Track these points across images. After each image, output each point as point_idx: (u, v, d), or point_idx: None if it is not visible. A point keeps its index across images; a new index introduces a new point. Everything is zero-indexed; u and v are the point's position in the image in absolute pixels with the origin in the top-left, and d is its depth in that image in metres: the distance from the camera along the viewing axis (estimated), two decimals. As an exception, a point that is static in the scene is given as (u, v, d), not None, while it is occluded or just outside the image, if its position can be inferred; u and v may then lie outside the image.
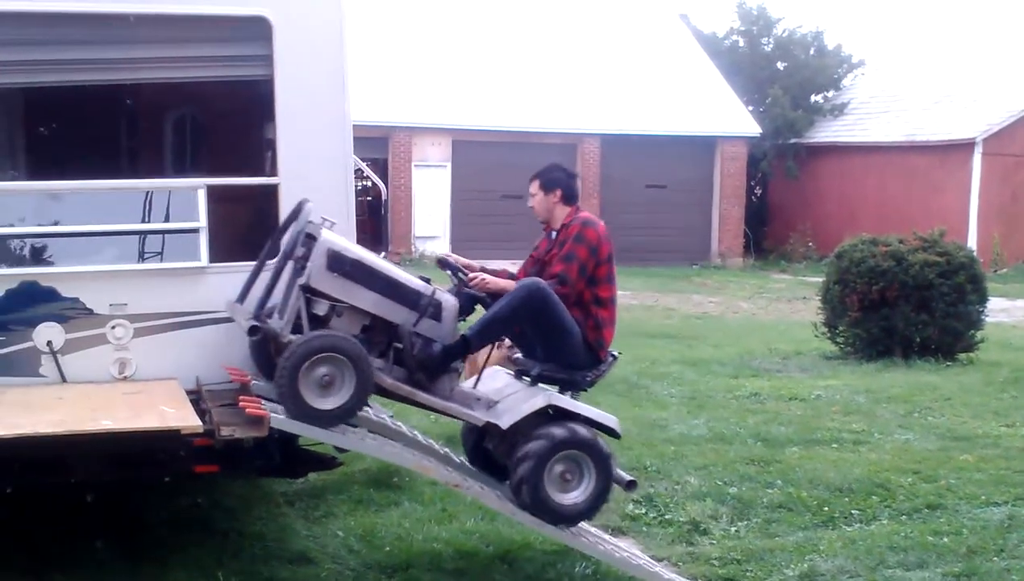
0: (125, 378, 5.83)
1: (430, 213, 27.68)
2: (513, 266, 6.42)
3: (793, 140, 32.02)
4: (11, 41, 5.94)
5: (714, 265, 28.98)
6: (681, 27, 33.93)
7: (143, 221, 6.03)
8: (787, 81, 32.94)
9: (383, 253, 8.73)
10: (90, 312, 5.68)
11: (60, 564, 5.97)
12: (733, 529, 6.90)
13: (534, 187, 6.21)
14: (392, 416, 6.32)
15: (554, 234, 6.13)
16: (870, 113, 32.39)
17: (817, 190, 31.51)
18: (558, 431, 5.62)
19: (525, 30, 30.65)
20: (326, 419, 5.27)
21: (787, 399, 10.93)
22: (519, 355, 8.26)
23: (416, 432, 6.44)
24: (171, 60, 6.28)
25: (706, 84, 30.63)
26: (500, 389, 5.98)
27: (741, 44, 35.20)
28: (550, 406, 5.71)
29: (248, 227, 5.86)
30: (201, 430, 5.17)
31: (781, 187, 32.98)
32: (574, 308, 5.90)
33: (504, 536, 6.62)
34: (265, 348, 5.58)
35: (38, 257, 5.92)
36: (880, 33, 66.72)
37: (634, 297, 21.50)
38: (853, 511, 7.23)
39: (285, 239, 5.49)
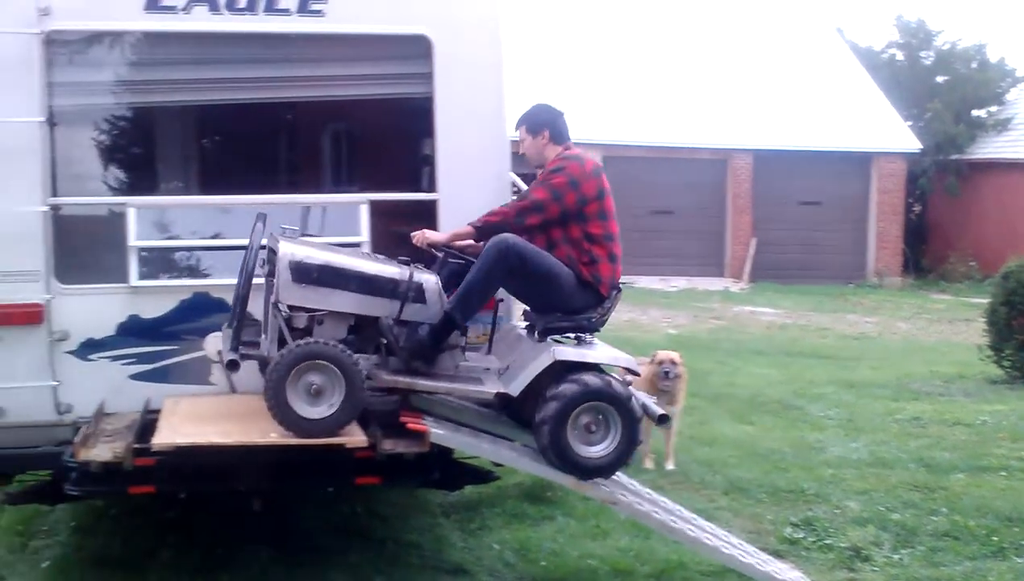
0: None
1: (579, 228, 27.58)
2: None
3: (954, 156, 31.00)
4: (185, 60, 6.21)
5: (870, 284, 28.17)
6: (837, 40, 33.23)
7: (304, 234, 6.18)
8: (948, 95, 31.90)
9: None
10: (258, 323, 5.85)
11: (226, 566, 6.16)
12: (896, 557, 6.69)
13: (522, 132, 6.07)
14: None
15: None
16: (1035, 129, 31.19)
17: (978, 208, 30.39)
18: (569, 388, 5.42)
19: (676, 45, 30.45)
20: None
21: (951, 424, 10.56)
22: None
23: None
24: (334, 79, 6.46)
25: (863, 98, 29.90)
26: (511, 351, 5.85)
27: (899, 58, 34.28)
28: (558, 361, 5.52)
29: (405, 241, 5.95)
30: (364, 444, 5.26)
31: (941, 204, 31.93)
32: (563, 247, 5.74)
33: (659, 555, 6.56)
34: None
35: (209, 269, 6.13)
36: (1046, 46, 64.22)
37: (787, 316, 21.12)
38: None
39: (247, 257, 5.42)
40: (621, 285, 5.94)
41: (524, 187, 7.12)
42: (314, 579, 6.06)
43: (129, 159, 6.78)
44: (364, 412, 5.68)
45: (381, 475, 5.56)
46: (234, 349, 5.28)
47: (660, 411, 6.06)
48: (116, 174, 6.67)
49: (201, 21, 5.90)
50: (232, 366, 5.27)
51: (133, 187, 6.59)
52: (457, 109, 5.97)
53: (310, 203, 6.26)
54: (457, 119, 6.16)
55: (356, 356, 5.29)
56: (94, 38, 5.98)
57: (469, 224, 5.77)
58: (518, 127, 6.09)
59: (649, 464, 8.57)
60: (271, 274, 5.45)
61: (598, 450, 5.51)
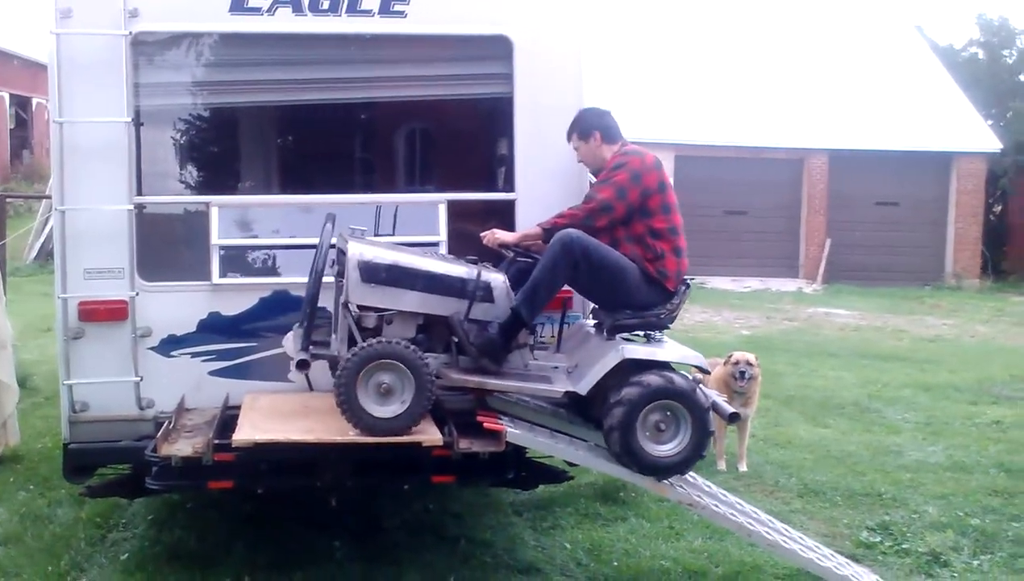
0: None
1: (652, 229, 27.36)
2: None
3: (1036, 156, 30.40)
4: (267, 61, 6.30)
5: (948, 286, 27.71)
6: (917, 38, 32.74)
7: (377, 233, 6.23)
8: (1030, 95, 31.34)
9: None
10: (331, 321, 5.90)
11: (301, 561, 6.23)
12: (975, 563, 6.59)
13: (574, 141, 6.02)
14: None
15: None
16: (1120, 128, 30.41)
17: (1061, 209, 29.81)
18: (633, 391, 5.35)
19: (750, 44, 30.19)
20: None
21: (1033, 429, 10.35)
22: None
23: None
24: (414, 79, 6.50)
25: (942, 98, 29.41)
26: (579, 349, 5.80)
27: (980, 56, 33.73)
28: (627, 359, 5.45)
29: (481, 241, 5.96)
30: (441, 443, 5.29)
31: (1022, 205, 31.31)
32: (627, 245, 5.69)
33: (734, 557, 6.53)
34: None
35: (289, 267, 6.20)
36: None
37: (862, 318, 20.86)
38: (1110, 551, 6.78)
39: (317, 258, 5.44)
40: (690, 281, 5.88)
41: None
42: (389, 576, 6.09)
43: (211, 159, 6.88)
44: (440, 411, 5.74)
45: (456, 474, 5.59)
46: (304, 348, 5.33)
47: (731, 409, 6.00)
48: (199, 173, 6.76)
49: (284, 22, 5.98)
50: (302, 366, 5.33)
51: (215, 186, 6.67)
52: (536, 109, 5.98)
53: (389, 203, 6.30)
54: (536, 119, 6.17)
55: (426, 355, 5.32)
56: (179, 39, 6.09)
57: (538, 225, 5.78)
58: (569, 137, 6.06)
59: (722, 466, 8.52)
60: (340, 274, 5.50)
61: (670, 448, 5.47)
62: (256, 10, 5.95)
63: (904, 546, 6.83)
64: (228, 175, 6.98)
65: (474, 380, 5.50)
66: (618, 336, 5.66)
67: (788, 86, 28.74)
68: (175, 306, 5.95)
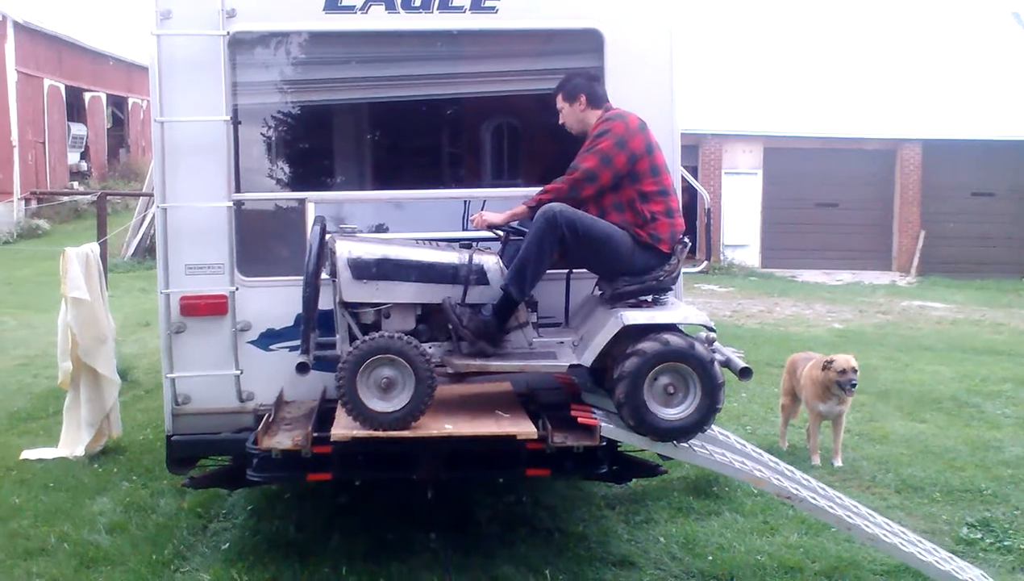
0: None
1: (740, 221, 27.18)
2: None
3: None
4: (361, 58, 6.38)
5: (1048, 278, 27.08)
6: (1013, 25, 31.97)
7: (464, 229, 6.28)
8: None
9: (704, 262, 8.71)
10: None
11: (397, 552, 6.30)
12: (1081, 561, 6.44)
13: (559, 102, 5.90)
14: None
15: None
16: None
17: None
18: (632, 362, 5.26)
19: (840, 33, 29.74)
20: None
21: None
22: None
23: (743, 441, 6.40)
24: (505, 74, 6.54)
25: (1040, 85, 28.73)
26: (585, 321, 5.75)
27: (1080, 42, 32.80)
28: (627, 326, 5.34)
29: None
30: (535, 436, 5.31)
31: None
32: (615, 212, 5.59)
33: (830, 552, 6.44)
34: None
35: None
36: None
37: (959, 310, 20.44)
38: None
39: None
40: (687, 241, 5.75)
41: (693, 181, 7.08)
42: (484, 568, 6.12)
43: (306, 156, 7.00)
44: (535, 405, 5.76)
45: (550, 467, 5.57)
46: (304, 351, 5.40)
47: (743, 364, 5.78)
48: (294, 170, 6.88)
49: (378, 20, 6.05)
50: (302, 369, 5.37)
51: (310, 183, 6.79)
52: (627, 103, 5.95)
53: (478, 198, 6.34)
54: None
55: (426, 345, 5.37)
56: (275, 38, 6.19)
57: (524, 203, 5.71)
58: (555, 97, 5.95)
59: (817, 461, 8.42)
60: (333, 274, 5.54)
61: (683, 409, 5.37)
62: (350, 8, 6.03)
63: (1006, 543, 6.69)
64: (322, 172, 7.09)
65: (476, 364, 5.49)
66: (619, 304, 5.57)
67: (879, 75, 28.28)
68: (273, 301, 6.06)
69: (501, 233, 5.85)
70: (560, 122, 5.97)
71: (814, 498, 5.73)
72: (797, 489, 5.74)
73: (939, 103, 27.58)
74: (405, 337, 5.29)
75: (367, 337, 5.32)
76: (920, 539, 6.03)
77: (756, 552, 6.48)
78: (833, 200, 27.18)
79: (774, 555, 6.42)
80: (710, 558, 6.39)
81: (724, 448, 5.92)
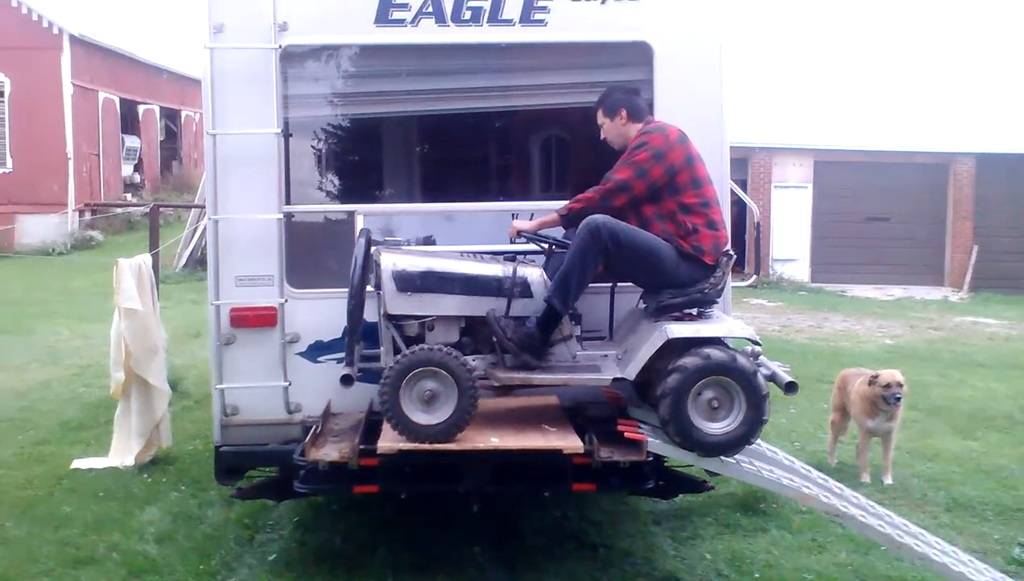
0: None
1: (789, 235, 26.95)
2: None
3: None
4: (411, 71, 6.41)
5: (1104, 294, 26.61)
6: (1069, 38, 31.57)
7: (512, 241, 6.27)
8: None
9: (753, 276, 8.65)
10: None
11: (443, 565, 6.30)
12: None
13: (600, 117, 5.88)
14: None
15: None
16: None
17: None
18: (674, 379, 5.21)
19: (889, 46, 29.51)
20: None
21: None
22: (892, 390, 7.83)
23: (791, 458, 6.33)
24: (554, 87, 6.55)
25: (1096, 98, 28.30)
26: (629, 335, 5.70)
27: None
28: (671, 339, 5.29)
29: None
30: (582, 450, 5.30)
31: None
32: (658, 223, 5.54)
33: (879, 571, 6.37)
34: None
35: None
36: None
37: (1013, 327, 20.14)
38: None
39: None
40: (733, 253, 5.71)
41: (742, 194, 7.04)
42: (530, 581, 6.13)
43: (355, 168, 7.02)
44: (581, 419, 5.74)
45: (596, 482, 5.54)
46: (349, 363, 5.41)
47: (789, 378, 5.70)
48: (343, 183, 6.91)
49: (428, 33, 6.08)
50: (346, 381, 5.39)
51: (360, 195, 6.81)
52: (677, 116, 5.93)
53: (525, 211, 6.34)
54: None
55: (470, 358, 5.37)
56: (326, 51, 6.24)
57: (555, 211, 5.71)
58: (596, 112, 5.94)
59: (866, 479, 8.32)
60: (378, 286, 5.55)
61: (728, 423, 5.32)
62: (400, 21, 6.07)
63: (1063, 565, 6.58)
64: (372, 184, 7.11)
65: (520, 377, 5.46)
66: (664, 317, 5.52)
67: (931, 88, 28.04)
68: (322, 313, 6.09)
69: (544, 245, 5.84)
70: (602, 137, 5.97)
71: (863, 516, 5.66)
72: (846, 507, 5.67)
73: (993, 116, 27.26)
74: (448, 349, 5.30)
75: (410, 350, 5.33)
76: (971, 559, 5.94)
77: (804, 570, 6.41)
78: (884, 214, 26.91)
79: (822, 574, 6.36)
80: (757, 576, 6.33)
81: (772, 464, 5.87)
